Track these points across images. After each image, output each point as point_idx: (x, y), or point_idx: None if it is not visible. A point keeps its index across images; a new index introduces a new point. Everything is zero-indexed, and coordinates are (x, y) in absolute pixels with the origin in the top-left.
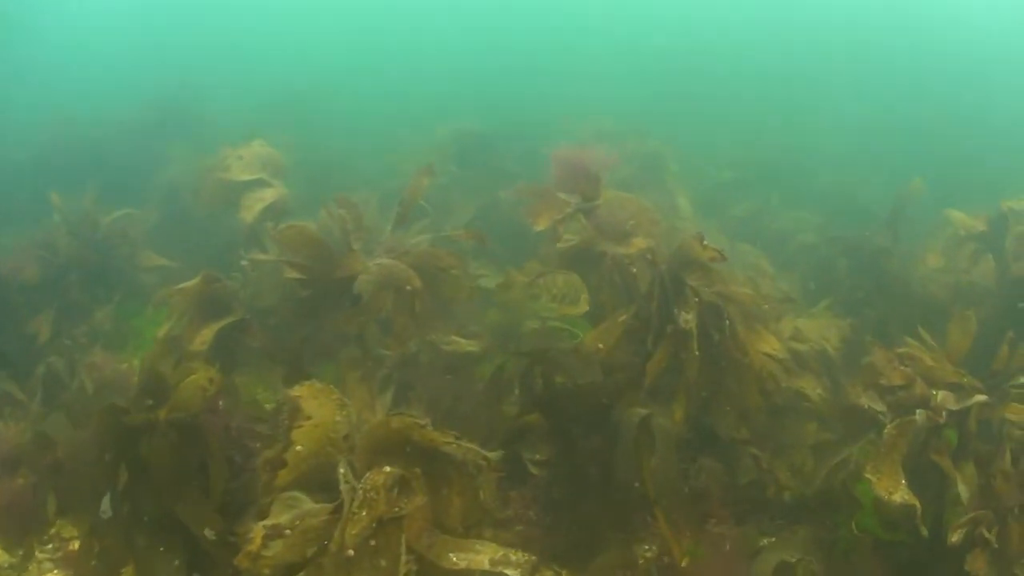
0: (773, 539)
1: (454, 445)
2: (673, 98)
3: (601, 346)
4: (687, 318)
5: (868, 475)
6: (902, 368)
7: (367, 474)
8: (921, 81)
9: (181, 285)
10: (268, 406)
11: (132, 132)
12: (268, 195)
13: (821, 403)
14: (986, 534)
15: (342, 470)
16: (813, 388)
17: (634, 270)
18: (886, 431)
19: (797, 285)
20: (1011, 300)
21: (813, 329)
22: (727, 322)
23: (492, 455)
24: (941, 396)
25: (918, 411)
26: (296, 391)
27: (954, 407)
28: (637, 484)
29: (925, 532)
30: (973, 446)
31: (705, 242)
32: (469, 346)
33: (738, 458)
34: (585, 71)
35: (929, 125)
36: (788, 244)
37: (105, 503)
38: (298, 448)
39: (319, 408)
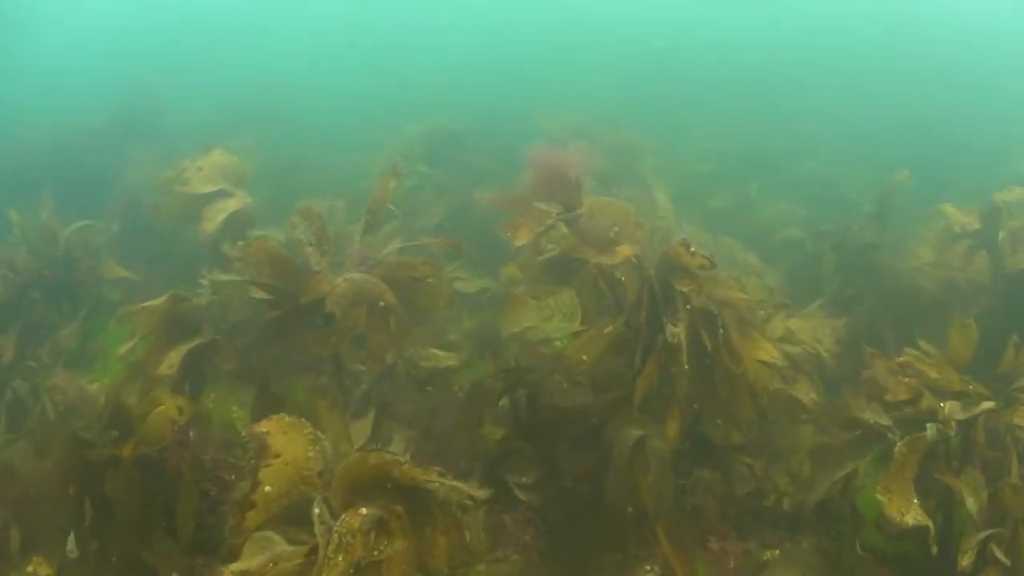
0: (776, 551)
1: (437, 483)
2: (647, 91)
3: (585, 357)
4: (674, 331)
5: (879, 495)
6: (906, 380)
7: (342, 516)
8: (899, 69)
9: (147, 303)
10: (243, 427)
11: (97, 138)
12: (230, 205)
13: (816, 409)
14: (997, 552)
15: (317, 510)
16: (807, 393)
17: (622, 278)
18: (896, 449)
19: (782, 281)
20: (1006, 296)
21: (806, 330)
22: (721, 331)
23: (479, 493)
24: (948, 407)
25: (928, 425)
26: (263, 426)
27: (961, 416)
28: (630, 509)
29: (935, 550)
30: (980, 454)
31: (692, 249)
32: (448, 360)
33: (734, 467)
34: (557, 66)
35: (908, 113)
36: (772, 238)
37: (71, 542)
38: (267, 489)
39: (289, 444)
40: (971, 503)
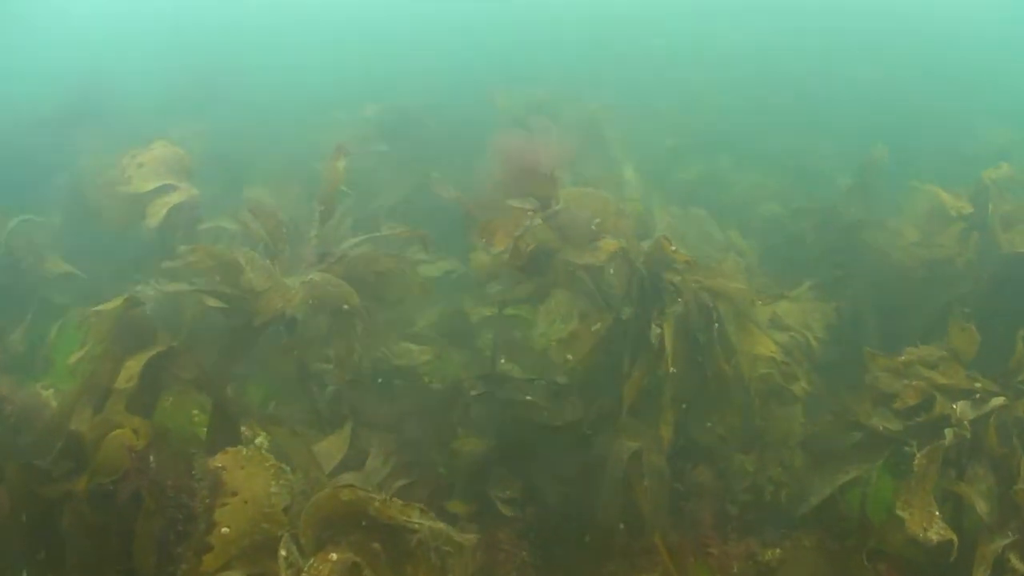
0: (777, 550)
1: (417, 524)
2: (605, 66)
3: (570, 356)
4: (657, 333)
5: (900, 512)
6: (914, 384)
7: (311, 561)
8: (861, 43)
9: (99, 307)
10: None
11: (38, 127)
12: (173, 199)
13: (808, 398)
14: (1013, 559)
15: (283, 552)
16: (798, 383)
17: (612, 271)
18: (916, 462)
19: (761, 260)
20: (999, 278)
21: (794, 315)
22: (716, 325)
23: (466, 538)
24: (960, 408)
25: (947, 431)
26: (218, 460)
27: (972, 416)
28: (623, 526)
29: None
30: (991, 453)
31: (673, 248)
32: (423, 355)
33: (728, 464)
34: (514, 43)
35: (871, 87)
36: (747, 212)
37: None
38: (224, 530)
39: (248, 480)
40: (982, 506)
